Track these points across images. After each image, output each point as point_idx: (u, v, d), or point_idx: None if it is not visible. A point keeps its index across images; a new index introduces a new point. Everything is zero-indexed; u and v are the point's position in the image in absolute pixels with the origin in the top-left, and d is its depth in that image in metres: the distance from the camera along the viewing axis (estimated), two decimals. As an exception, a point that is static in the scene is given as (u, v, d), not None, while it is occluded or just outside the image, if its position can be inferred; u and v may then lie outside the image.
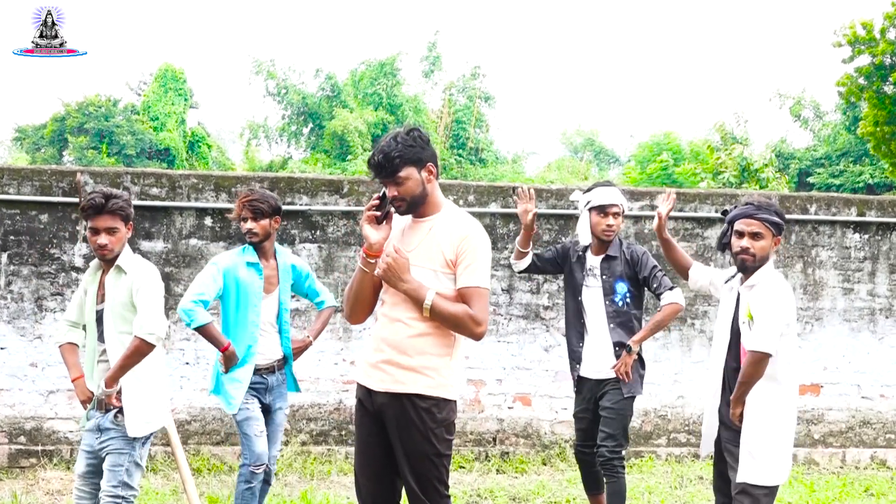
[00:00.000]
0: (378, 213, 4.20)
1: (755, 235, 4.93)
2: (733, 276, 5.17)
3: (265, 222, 6.07)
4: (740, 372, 4.88)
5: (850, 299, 9.60)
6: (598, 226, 6.26)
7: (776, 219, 4.94)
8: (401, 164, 4.15)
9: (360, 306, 4.34)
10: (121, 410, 4.98)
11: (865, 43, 20.65)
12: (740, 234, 4.96)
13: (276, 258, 6.24)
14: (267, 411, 6.16)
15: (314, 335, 6.48)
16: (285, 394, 6.29)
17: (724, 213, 5.19)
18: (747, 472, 4.87)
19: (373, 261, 4.21)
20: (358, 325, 4.37)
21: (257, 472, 5.99)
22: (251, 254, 6.12)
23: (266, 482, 6.24)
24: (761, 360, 4.78)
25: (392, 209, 4.24)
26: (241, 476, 6.03)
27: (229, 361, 5.91)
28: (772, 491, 4.90)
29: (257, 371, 6.08)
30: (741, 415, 4.89)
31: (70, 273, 8.44)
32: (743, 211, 4.99)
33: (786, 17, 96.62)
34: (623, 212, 6.32)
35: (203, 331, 5.89)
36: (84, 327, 5.28)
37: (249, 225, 6.05)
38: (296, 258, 6.49)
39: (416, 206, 4.23)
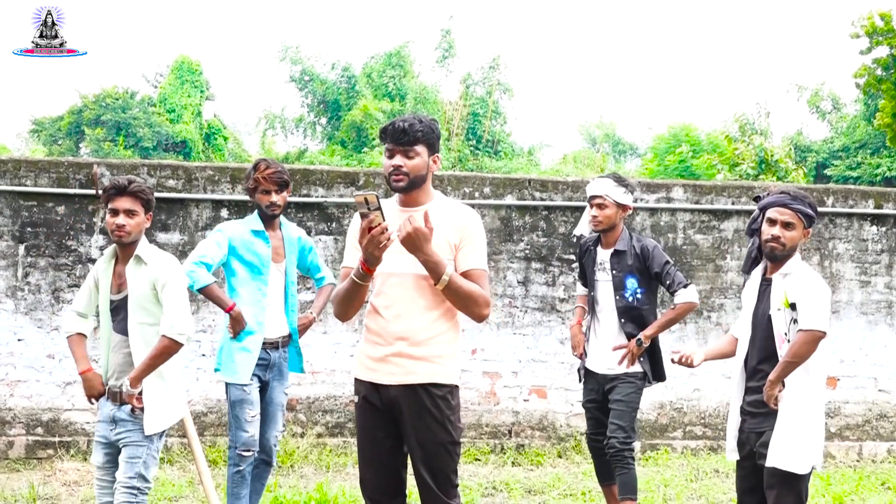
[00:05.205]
0: (384, 224, 3.92)
1: (787, 225, 4.90)
2: (750, 269, 5.14)
3: (284, 194, 6.05)
4: (787, 351, 4.70)
5: (868, 292, 9.56)
6: (589, 216, 6.31)
7: (809, 210, 4.91)
8: (421, 138, 4.20)
9: (355, 309, 4.31)
10: (141, 408, 4.99)
11: (884, 34, 20.51)
12: (772, 223, 4.91)
13: (281, 230, 6.17)
14: (264, 389, 6.05)
15: (317, 311, 6.41)
16: (286, 373, 6.19)
17: (757, 199, 5.13)
18: (779, 457, 4.68)
19: (371, 277, 4.14)
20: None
21: (246, 455, 5.90)
22: (257, 222, 6.04)
23: (267, 463, 6.18)
24: (816, 339, 4.65)
25: (376, 214, 3.93)
26: (230, 460, 5.96)
27: (237, 324, 5.82)
28: (804, 479, 4.76)
29: (262, 345, 5.98)
30: (776, 397, 4.69)
31: (87, 265, 8.47)
32: (777, 199, 4.94)
33: (803, 8, 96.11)
34: (609, 204, 6.17)
35: (206, 292, 5.82)
36: (96, 317, 5.27)
37: (274, 198, 5.98)
38: (301, 231, 6.42)
39: (413, 188, 4.23)
